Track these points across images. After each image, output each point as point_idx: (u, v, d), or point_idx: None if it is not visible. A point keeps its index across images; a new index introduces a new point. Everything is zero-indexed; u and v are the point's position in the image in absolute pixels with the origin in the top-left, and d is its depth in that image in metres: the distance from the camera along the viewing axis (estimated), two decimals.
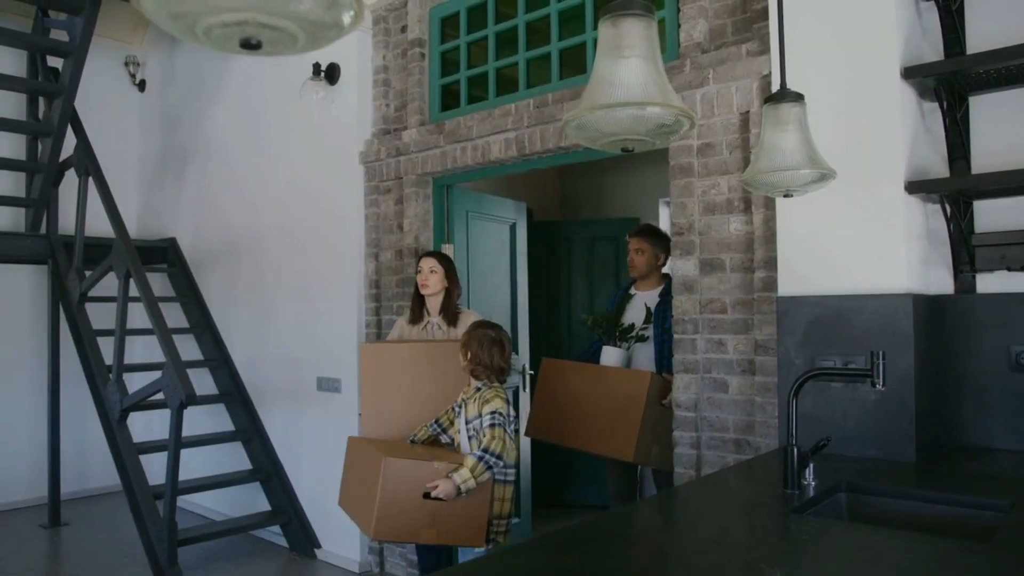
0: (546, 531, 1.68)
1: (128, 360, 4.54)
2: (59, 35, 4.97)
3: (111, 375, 4.35)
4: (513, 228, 4.71)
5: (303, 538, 4.55)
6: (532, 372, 4.47)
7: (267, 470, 4.80)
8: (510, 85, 3.83)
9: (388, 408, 3.21)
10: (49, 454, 5.23)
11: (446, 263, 3.49)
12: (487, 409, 2.77)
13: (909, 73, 2.36)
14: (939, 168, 2.52)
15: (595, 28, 1.45)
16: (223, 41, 0.89)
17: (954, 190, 2.39)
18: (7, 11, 5.43)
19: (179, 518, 4.03)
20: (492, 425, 2.73)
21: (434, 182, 4.13)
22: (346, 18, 0.90)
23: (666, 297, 3.53)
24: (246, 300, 5.12)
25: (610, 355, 3.41)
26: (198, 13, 0.85)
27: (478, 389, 2.87)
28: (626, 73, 1.39)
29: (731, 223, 2.84)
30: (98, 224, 4.93)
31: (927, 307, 2.40)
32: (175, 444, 3.91)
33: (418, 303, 3.53)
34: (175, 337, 4.19)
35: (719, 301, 2.88)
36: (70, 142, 4.98)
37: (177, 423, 3.90)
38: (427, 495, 2.65)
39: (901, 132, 2.36)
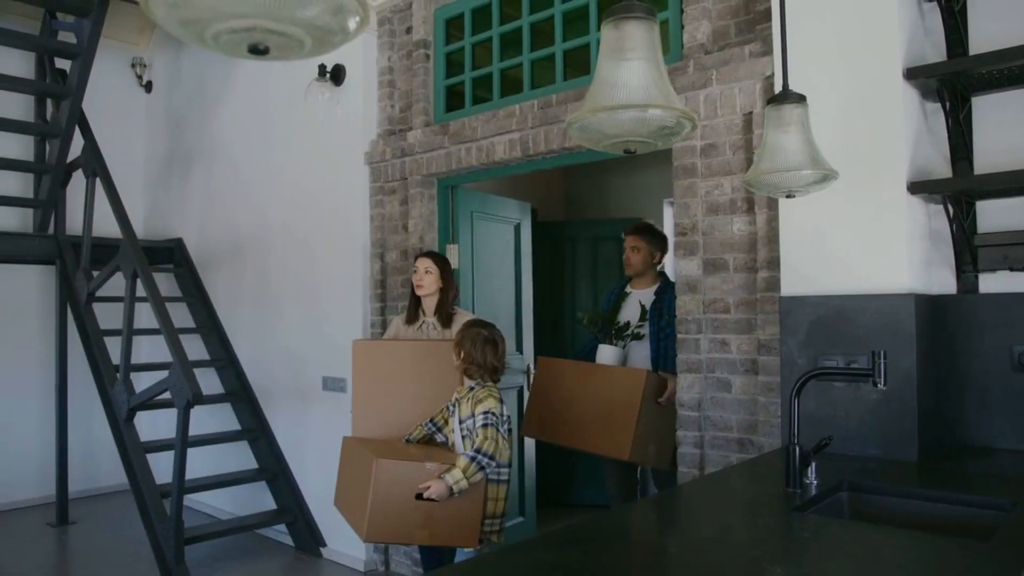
0: (548, 530, 1.70)
1: (135, 360, 4.58)
2: (67, 37, 5.01)
3: (118, 375, 4.38)
4: (517, 228, 4.72)
5: (309, 537, 4.58)
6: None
7: (273, 469, 4.82)
8: (514, 86, 3.84)
9: (379, 406, 3.19)
10: (57, 453, 5.27)
11: (442, 264, 3.47)
12: (480, 409, 2.75)
13: (912, 74, 2.37)
14: (942, 168, 2.53)
15: (599, 29, 1.46)
16: (231, 47, 0.91)
17: (956, 190, 2.40)
18: (15, 13, 5.46)
19: (186, 517, 4.06)
20: (485, 425, 2.71)
21: (439, 183, 4.14)
22: (352, 23, 0.92)
23: (662, 295, 3.54)
24: (252, 300, 5.14)
25: (606, 353, 3.41)
26: (207, 20, 0.87)
27: (471, 388, 2.86)
28: (628, 75, 1.40)
29: (734, 223, 2.85)
30: (105, 225, 4.96)
31: (929, 307, 2.41)
32: (182, 443, 3.94)
33: (414, 303, 3.52)
34: (182, 337, 4.22)
35: (722, 301, 2.89)
36: (77, 143, 5.01)
37: (184, 422, 3.92)
38: (419, 496, 2.64)
39: (903, 133, 2.37)
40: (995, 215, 2.48)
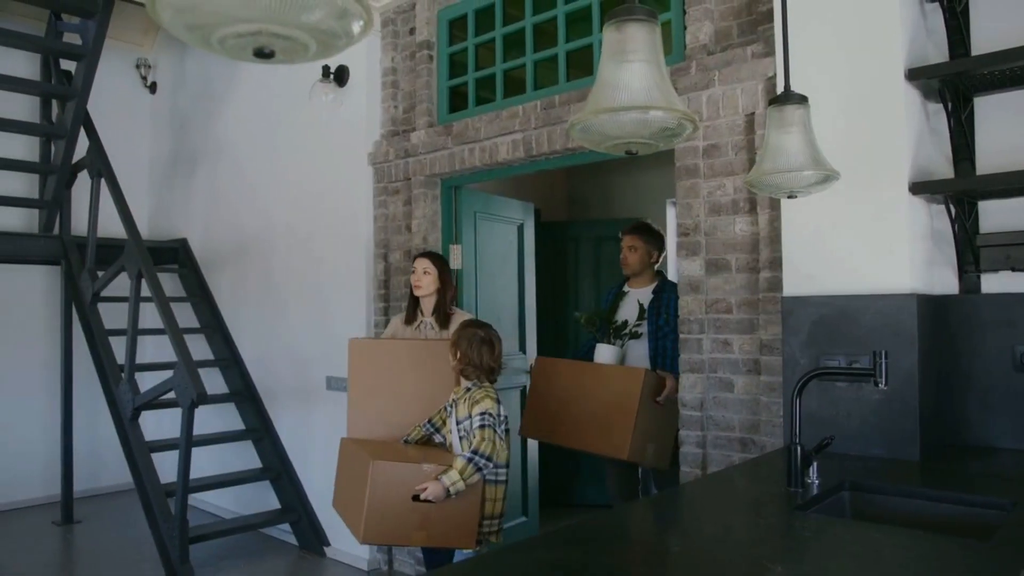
0: (551, 528, 1.71)
1: (140, 360, 4.59)
2: (72, 38, 5.03)
3: (123, 374, 4.40)
4: (521, 229, 4.73)
5: (312, 536, 4.60)
6: None
7: (277, 469, 4.84)
8: (518, 87, 3.85)
9: (375, 405, 3.17)
10: (62, 452, 5.29)
11: (440, 264, 3.47)
12: (477, 410, 2.74)
13: (913, 75, 2.37)
14: (944, 169, 2.54)
15: (602, 30, 1.47)
16: (237, 50, 0.92)
17: (958, 191, 2.40)
18: (21, 15, 5.49)
19: (190, 516, 4.08)
20: (482, 426, 2.70)
21: (442, 183, 4.16)
22: (356, 27, 0.93)
23: (659, 294, 3.54)
24: (256, 300, 5.16)
25: (604, 352, 3.40)
26: (214, 24, 0.88)
27: (468, 389, 2.85)
28: (630, 77, 1.41)
29: (736, 224, 2.86)
30: (110, 225, 4.99)
31: (931, 307, 2.41)
32: (186, 443, 3.96)
33: (412, 303, 3.52)
34: (186, 337, 4.24)
35: (725, 301, 2.89)
36: (83, 144, 5.04)
37: (188, 422, 3.94)
38: (416, 497, 2.62)
39: (905, 133, 2.37)
40: (997, 215, 2.49)
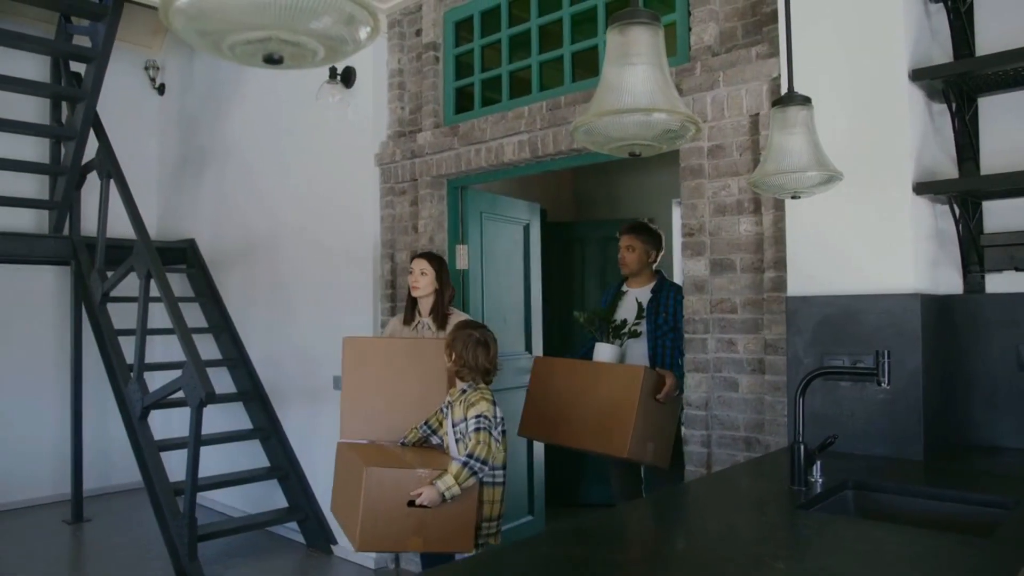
0: (555, 526, 1.73)
1: (149, 359, 4.63)
2: (81, 41, 5.08)
3: (132, 374, 4.44)
4: (527, 229, 4.75)
5: (320, 534, 4.63)
6: None
7: (284, 467, 4.88)
8: (523, 87, 3.87)
9: (368, 404, 3.15)
10: (72, 451, 5.34)
11: (438, 265, 3.47)
12: (472, 413, 2.72)
13: (917, 75, 2.38)
14: (948, 169, 2.54)
15: (607, 31, 1.49)
16: (247, 56, 0.95)
17: (962, 191, 2.41)
18: (32, 18, 5.54)
19: (199, 514, 4.11)
20: (477, 429, 2.67)
21: (448, 184, 4.18)
22: (363, 33, 0.96)
23: (658, 293, 3.55)
24: (264, 300, 5.20)
25: (603, 351, 3.39)
26: (224, 31, 0.90)
27: (463, 391, 2.83)
28: (633, 80, 1.43)
29: (741, 224, 2.87)
30: (119, 226, 5.03)
31: (936, 307, 2.42)
32: (195, 441, 3.99)
33: (411, 304, 3.52)
34: (194, 337, 4.27)
35: (729, 301, 2.91)
36: (92, 145, 5.08)
37: (197, 421, 3.97)
38: (411, 503, 2.60)
39: (909, 133, 2.38)
40: (1001, 215, 2.50)
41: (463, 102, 4.20)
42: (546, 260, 5.03)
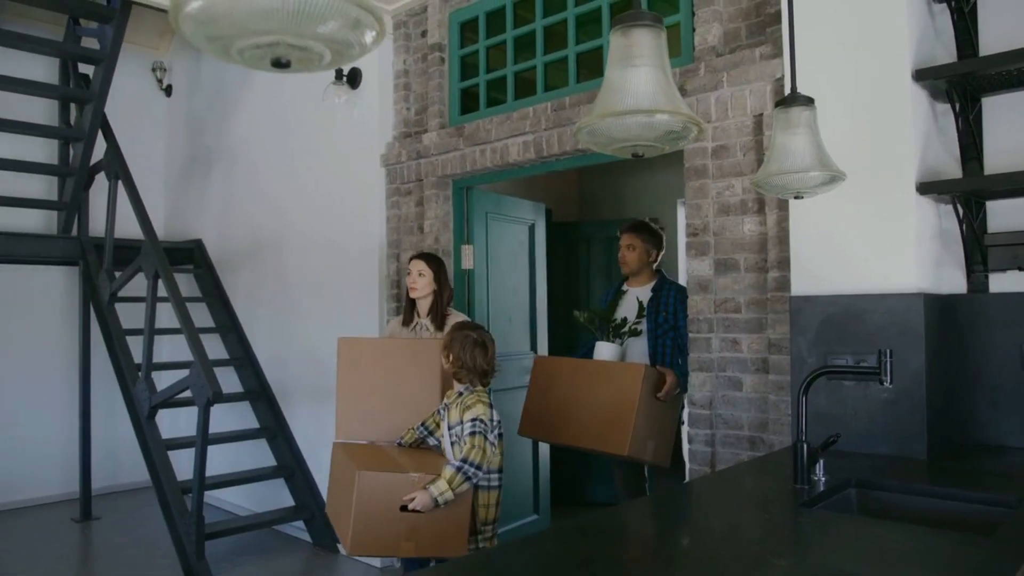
0: (560, 524, 1.74)
1: (156, 359, 4.66)
2: (90, 43, 5.11)
3: (140, 373, 4.47)
4: (532, 229, 4.77)
5: (326, 533, 4.64)
6: None
7: (291, 466, 4.90)
8: (528, 88, 3.89)
9: (363, 404, 3.12)
10: (81, 450, 5.38)
11: (436, 266, 3.46)
12: (468, 416, 2.68)
13: (920, 75, 2.39)
14: (952, 169, 2.55)
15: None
16: (255, 60, 0.96)
17: (966, 191, 2.41)
18: (40, 20, 5.58)
19: (206, 513, 4.13)
20: (472, 433, 2.63)
21: (454, 184, 4.20)
22: (368, 38, 0.97)
23: (658, 292, 3.55)
24: (270, 300, 5.22)
25: (604, 350, 3.39)
26: (233, 36, 0.92)
27: (460, 394, 2.79)
28: (636, 82, 1.44)
29: (745, 224, 2.88)
30: (127, 226, 5.06)
31: (939, 306, 2.43)
32: (202, 440, 4.01)
33: (409, 305, 3.52)
34: (202, 336, 4.29)
35: (733, 301, 2.92)
36: (100, 146, 5.11)
37: (204, 420, 4.00)
38: (404, 507, 2.56)
39: (913, 134, 2.39)
40: (1005, 215, 2.50)
41: (468, 103, 4.21)
42: (551, 260, 5.04)
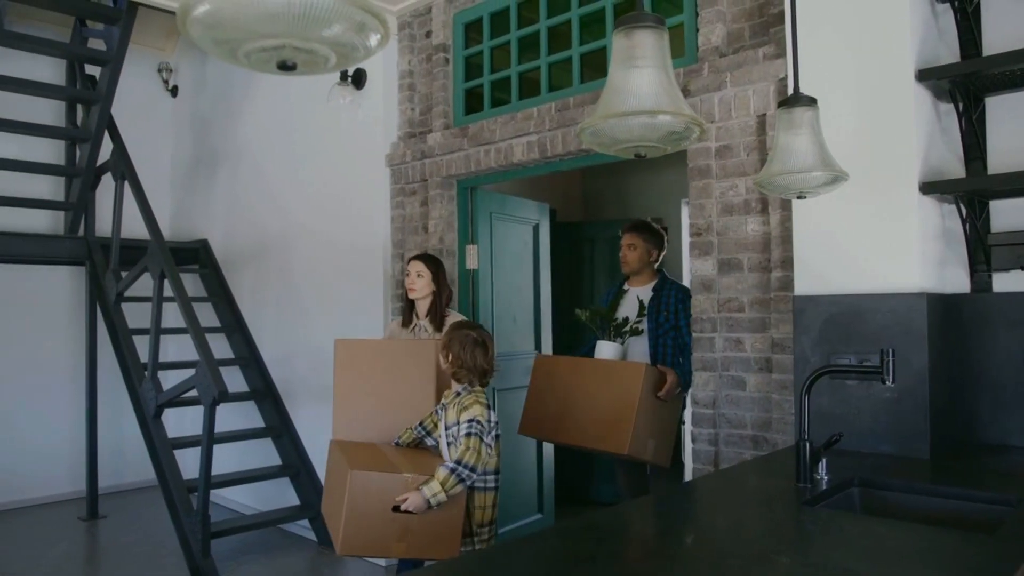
0: (563, 522, 1.75)
1: (162, 358, 4.68)
2: (96, 44, 5.14)
3: (146, 373, 4.50)
4: (536, 229, 4.78)
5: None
6: None
7: (296, 466, 4.92)
8: (532, 88, 3.90)
9: (360, 406, 3.11)
10: (87, 449, 5.41)
11: (435, 267, 3.46)
12: (465, 417, 2.64)
13: (923, 76, 2.39)
14: (955, 168, 2.55)
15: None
16: (262, 63, 0.98)
17: (968, 190, 2.42)
18: (48, 21, 5.62)
19: (211, 512, 4.15)
20: (468, 434, 2.59)
21: (458, 184, 4.21)
22: (373, 41, 0.99)
23: (659, 292, 3.55)
24: (276, 300, 5.25)
25: (605, 349, 3.39)
26: (240, 39, 0.94)
27: (458, 394, 2.75)
28: (638, 83, 1.45)
29: (748, 224, 2.89)
30: (133, 226, 5.09)
31: (942, 306, 2.43)
32: (208, 439, 4.04)
33: (408, 306, 3.52)
34: (207, 336, 4.31)
35: (737, 300, 2.92)
36: (106, 147, 5.14)
37: (210, 419, 4.02)
38: (396, 508, 2.53)
39: (916, 133, 2.39)
40: (1009, 215, 2.50)
41: (472, 103, 4.23)
42: (555, 260, 5.05)
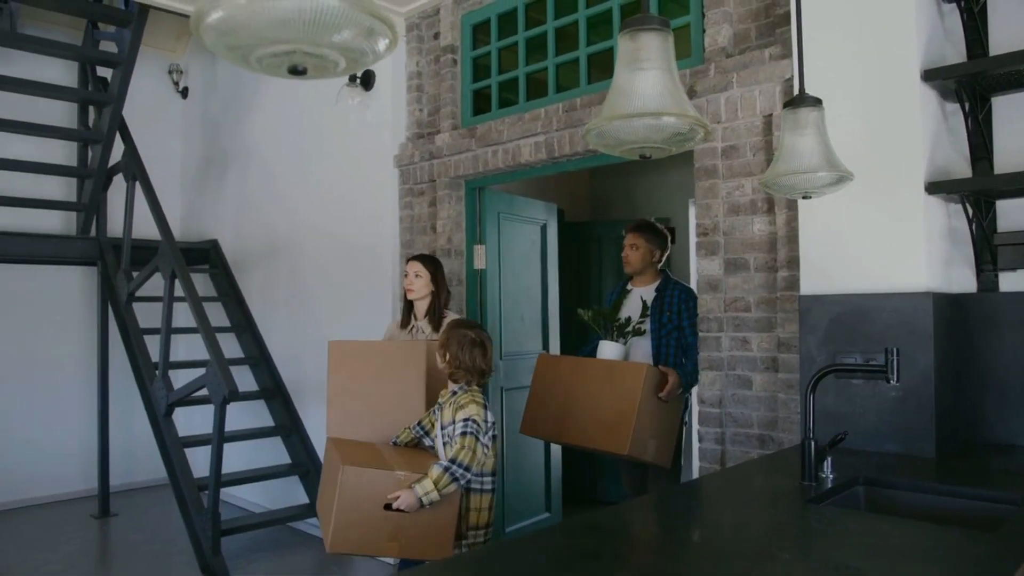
0: (569, 520, 1.77)
1: (173, 358, 4.72)
2: (108, 46, 5.19)
3: (157, 372, 4.54)
4: (544, 229, 4.80)
5: None
6: None
7: (305, 464, 4.95)
8: (540, 89, 3.92)
9: (354, 407, 3.10)
10: (99, 448, 5.46)
11: (433, 267, 3.46)
12: (460, 416, 2.60)
13: (929, 75, 2.39)
14: (962, 168, 2.56)
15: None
16: (273, 68, 1.00)
17: (974, 190, 2.42)
18: (60, 24, 5.67)
19: (222, 510, 4.19)
20: (463, 433, 2.55)
21: (466, 184, 4.23)
22: (382, 45, 1.01)
23: (662, 292, 3.56)
24: (285, 300, 5.28)
25: (607, 349, 3.39)
26: (252, 45, 0.96)
27: (454, 393, 2.71)
28: (643, 85, 1.47)
29: (755, 223, 2.90)
30: (144, 227, 5.13)
31: (948, 305, 2.43)
32: (218, 438, 4.07)
33: (407, 307, 3.51)
34: (217, 335, 4.35)
35: (743, 300, 2.93)
36: (118, 148, 5.19)
37: (220, 418, 4.05)
38: (389, 506, 2.49)
39: (922, 133, 2.40)
40: (1015, 214, 2.51)
41: (480, 104, 4.25)
42: (563, 260, 5.06)
